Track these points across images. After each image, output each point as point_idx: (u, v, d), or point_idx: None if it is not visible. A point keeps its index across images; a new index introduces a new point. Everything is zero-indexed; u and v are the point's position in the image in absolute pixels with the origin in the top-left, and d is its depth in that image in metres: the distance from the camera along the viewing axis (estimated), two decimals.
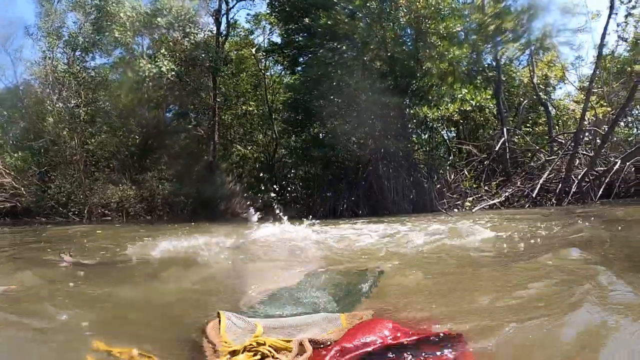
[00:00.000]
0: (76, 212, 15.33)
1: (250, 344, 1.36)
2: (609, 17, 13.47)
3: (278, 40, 17.94)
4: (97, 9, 13.71)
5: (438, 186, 12.52)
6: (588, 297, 1.83)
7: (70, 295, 2.50)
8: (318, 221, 6.15)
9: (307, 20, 12.10)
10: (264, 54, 16.87)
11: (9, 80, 21.67)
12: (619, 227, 4.93)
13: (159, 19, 12.13)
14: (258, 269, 3.61)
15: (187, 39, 12.86)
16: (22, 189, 18.20)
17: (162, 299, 2.47)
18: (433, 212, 10.84)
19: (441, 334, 1.35)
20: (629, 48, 18.65)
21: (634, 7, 19.36)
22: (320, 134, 12.74)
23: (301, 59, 14.02)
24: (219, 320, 1.59)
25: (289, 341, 1.43)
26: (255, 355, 1.32)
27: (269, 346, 1.36)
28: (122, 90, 15.41)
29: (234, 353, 1.33)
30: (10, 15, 22.82)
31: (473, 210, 10.68)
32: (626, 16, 19.58)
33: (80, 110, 17.77)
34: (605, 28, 13.29)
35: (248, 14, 18.35)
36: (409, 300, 2.15)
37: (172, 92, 16.38)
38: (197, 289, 2.74)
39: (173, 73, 12.31)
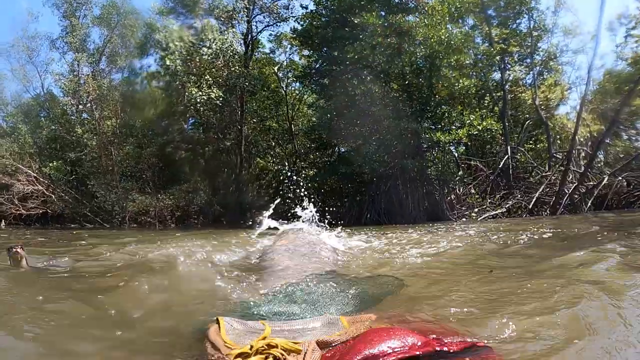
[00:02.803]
0: (118, 220, 18.50)
1: (262, 346, 1.43)
2: (596, 48, 16.92)
3: (296, 57, 21.52)
4: (145, 37, 17.02)
5: (448, 198, 15.90)
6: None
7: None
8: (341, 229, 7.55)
9: (335, 53, 15.51)
10: (295, 78, 20.31)
11: (36, 92, 24.95)
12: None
13: (204, 48, 15.46)
14: (269, 271, 3.78)
15: (229, 67, 16.18)
16: (53, 196, 21.36)
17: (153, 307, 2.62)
18: (444, 221, 14.14)
19: (469, 345, 1.36)
20: (628, 66, 22.12)
21: (633, 28, 23.20)
22: (346, 153, 16.16)
23: (326, 81, 17.43)
24: (219, 325, 1.69)
25: (297, 343, 1.50)
26: (267, 358, 1.39)
27: (281, 348, 1.43)
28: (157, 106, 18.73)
29: (242, 355, 1.41)
30: (36, 28, 25.87)
31: (478, 220, 14.05)
32: (625, 37, 23.40)
33: (108, 123, 21.01)
34: (592, 60, 16.81)
35: (270, 34, 21.74)
36: (419, 307, 2.34)
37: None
38: (193, 295, 2.96)
39: (221, 98, 15.64)
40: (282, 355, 1.40)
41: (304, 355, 1.43)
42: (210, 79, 15.77)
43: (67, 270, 4.32)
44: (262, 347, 1.42)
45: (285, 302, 2.41)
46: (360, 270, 4.01)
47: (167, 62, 15.23)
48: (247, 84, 16.44)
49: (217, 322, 1.71)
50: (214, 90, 15.22)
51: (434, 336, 1.45)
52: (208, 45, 15.73)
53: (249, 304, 2.46)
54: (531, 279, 2.87)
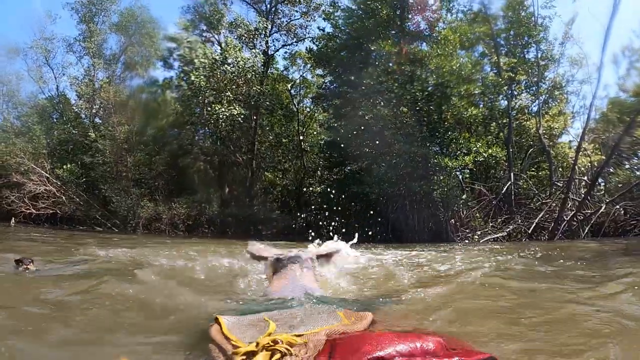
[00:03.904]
0: (132, 225, 19.84)
1: (268, 343, 1.45)
2: (598, 80, 18.39)
3: (309, 76, 23.10)
4: (169, 51, 18.61)
5: (452, 220, 17.30)
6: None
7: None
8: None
9: (352, 77, 17.07)
10: (310, 99, 21.91)
11: (51, 93, 26.41)
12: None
13: (227, 66, 16.99)
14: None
15: (248, 84, 17.74)
16: (64, 197, 22.65)
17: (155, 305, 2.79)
18: (447, 242, 15.52)
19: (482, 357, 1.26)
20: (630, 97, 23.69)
21: (637, 60, 24.95)
22: (356, 172, 17.64)
23: (339, 102, 18.97)
24: (219, 324, 1.72)
25: (300, 335, 1.54)
26: (273, 354, 1.40)
27: (287, 343, 1.45)
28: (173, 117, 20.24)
29: (249, 354, 1.43)
30: (53, 30, 27.33)
31: (480, 242, 15.47)
32: (628, 69, 25.13)
33: (121, 129, 22.40)
34: (595, 92, 18.35)
35: (285, 52, 23.34)
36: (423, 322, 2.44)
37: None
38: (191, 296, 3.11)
39: (243, 116, 17.16)
40: (288, 350, 1.42)
41: (307, 348, 1.47)
42: (230, 95, 17.29)
43: (72, 272, 4.65)
44: (268, 343, 1.46)
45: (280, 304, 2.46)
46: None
47: (193, 78, 16.66)
48: (267, 102, 18.00)
49: (217, 320, 1.76)
50: (236, 108, 16.76)
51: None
52: (230, 62, 17.26)
53: (247, 304, 2.56)
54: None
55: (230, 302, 3.02)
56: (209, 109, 17.30)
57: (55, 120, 26.41)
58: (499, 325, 2.50)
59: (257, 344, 1.47)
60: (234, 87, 17.71)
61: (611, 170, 22.04)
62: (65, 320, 2.46)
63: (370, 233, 16.61)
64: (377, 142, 16.28)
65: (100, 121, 24.92)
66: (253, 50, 19.55)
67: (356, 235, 5.54)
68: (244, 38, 18.61)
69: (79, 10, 25.58)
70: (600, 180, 20.88)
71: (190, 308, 2.75)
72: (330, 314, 1.87)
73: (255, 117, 19.57)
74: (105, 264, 5.27)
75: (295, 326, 1.71)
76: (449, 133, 16.72)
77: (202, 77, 16.82)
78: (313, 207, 20.49)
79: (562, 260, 6.84)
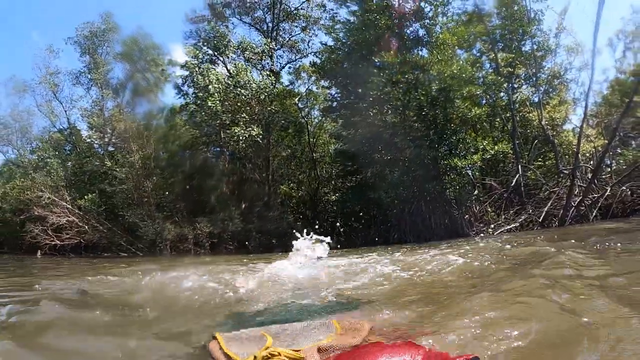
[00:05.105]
0: (160, 248, 21.50)
1: (265, 356, 1.56)
2: (593, 67, 19.92)
3: (314, 88, 24.82)
4: (183, 79, 20.38)
5: (466, 216, 18.93)
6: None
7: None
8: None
9: (359, 90, 18.76)
10: (320, 111, 23.64)
11: (62, 126, 28.15)
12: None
13: (241, 90, 18.70)
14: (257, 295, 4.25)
15: (261, 104, 19.45)
16: (87, 227, 24.28)
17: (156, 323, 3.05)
18: (464, 237, 17.12)
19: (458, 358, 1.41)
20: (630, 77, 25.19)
21: (631, 41, 26.66)
22: (371, 179, 19.32)
23: (348, 112, 20.64)
24: (218, 341, 1.85)
25: (297, 351, 1.65)
26: None
27: (284, 356, 1.57)
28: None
29: None
30: (57, 64, 28.97)
31: (494, 234, 17.09)
32: (624, 52, 26.77)
33: (135, 156, 24.04)
34: (592, 77, 19.90)
35: (290, 67, 25.09)
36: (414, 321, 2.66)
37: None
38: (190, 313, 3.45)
39: (260, 136, 18.92)
40: None
41: None
42: (246, 116, 19.03)
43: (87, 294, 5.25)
44: (265, 356, 1.55)
45: (276, 313, 2.56)
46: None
47: (209, 104, 18.29)
48: (282, 121, 19.78)
49: (215, 338, 1.85)
50: (254, 129, 18.54)
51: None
52: (242, 84, 18.98)
53: (243, 315, 2.70)
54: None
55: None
56: (228, 131, 19.04)
57: (68, 152, 28.20)
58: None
59: (255, 357, 1.60)
60: (248, 108, 19.38)
61: (618, 151, 23.65)
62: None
63: (392, 235, 18.40)
64: (389, 148, 17.98)
65: (113, 149, 26.66)
66: (262, 72, 21.29)
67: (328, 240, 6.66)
68: (252, 61, 20.39)
69: (82, 43, 27.25)
70: (608, 162, 22.48)
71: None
72: (326, 325, 1.98)
73: (268, 134, 21.28)
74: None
75: (291, 341, 1.84)
76: (456, 134, 18.40)
77: (217, 102, 18.47)
78: (329, 215, 22.19)
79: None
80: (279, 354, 1.60)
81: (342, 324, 2.03)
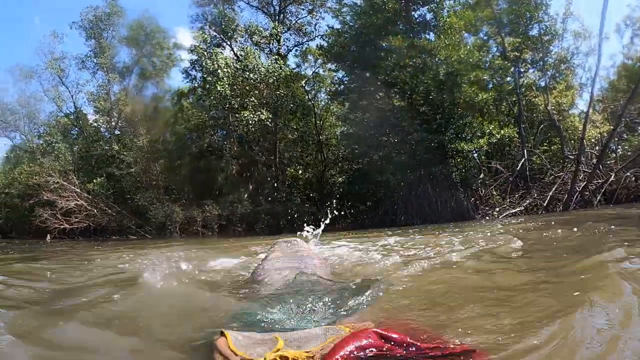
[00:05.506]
0: (170, 231, 22.00)
1: (275, 358, 1.57)
2: (599, 55, 20.16)
3: (321, 70, 25.08)
4: (191, 63, 20.69)
5: (472, 199, 19.36)
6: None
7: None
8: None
9: (367, 74, 19.07)
10: (329, 94, 23.94)
11: (69, 111, 28.49)
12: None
13: (249, 74, 19.02)
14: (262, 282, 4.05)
15: (270, 88, 19.78)
16: (95, 210, 24.73)
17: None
18: (469, 220, 17.55)
19: (457, 348, 1.51)
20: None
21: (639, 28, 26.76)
22: (378, 161, 19.71)
23: (355, 96, 20.96)
24: (225, 338, 1.82)
25: (308, 352, 1.67)
26: None
27: (292, 359, 1.58)
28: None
29: None
30: (62, 49, 29.11)
31: (499, 218, 17.51)
32: (632, 38, 26.89)
33: (142, 139, 24.41)
34: (597, 66, 20.16)
35: (297, 49, 25.33)
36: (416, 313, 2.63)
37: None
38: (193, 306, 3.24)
39: (270, 119, 19.29)
40: None
41: None
42: (255, 100, 19.38)
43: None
44: (275, 358, 1.57)
45: (282, 309, 2.56)
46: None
47: (219, 88, 18.62)
48: (291, 105, 20.12)
49: (223, 334, 1.86)
50: (263, 112, 18.91)
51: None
52: (251, 68, 19.30)
53: (249, 313, 2.64)
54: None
55: None
56: (237, 115, 19.43)
57: (76, 136, 28.58)
58: None
59: (265, 358, 1.62)
60: (257, 92, 19.72)
61: (624, 137, 23.90)
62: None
63: (399, 217, 18.85)
64: (395, 131, 18.35)
65: (120, 133, 27.06)
66: (270, 56, 21.56)
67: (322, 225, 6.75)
68: (260, 44, 20.68)
69: (87, 28, 27.41)
70: (613, 147, 22.76)
71: None
72: (336, 332, 1.97)
73: (276, 118, 21.63)
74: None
75: (303, 345, 1.83)
76: (463, 118, 18.75)
77: (226, 86, 18.80)
78: (336, 197, 22.61)
79: None
80: (289, 357, 1.64)
81: (351, 327, 2.02)
